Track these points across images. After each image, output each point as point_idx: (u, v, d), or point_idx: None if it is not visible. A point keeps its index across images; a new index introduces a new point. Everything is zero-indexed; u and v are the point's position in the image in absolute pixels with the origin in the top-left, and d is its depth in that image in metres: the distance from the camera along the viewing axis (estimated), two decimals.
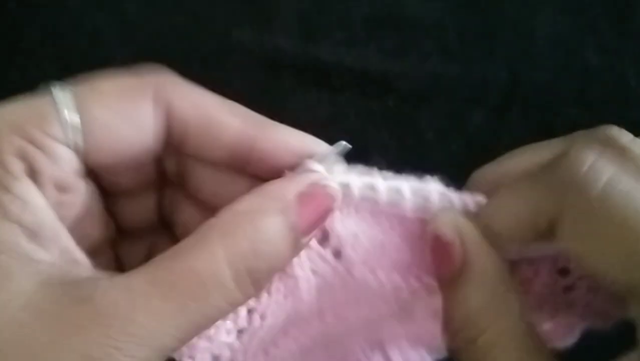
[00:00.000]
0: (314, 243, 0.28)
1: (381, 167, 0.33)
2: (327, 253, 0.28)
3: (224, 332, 0.27)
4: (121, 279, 0.23)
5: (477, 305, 0.26)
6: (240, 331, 0.28)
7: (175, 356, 0.26)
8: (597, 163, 0.24)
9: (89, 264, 0.25)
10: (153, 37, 0.44)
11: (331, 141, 0.43)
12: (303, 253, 0.28)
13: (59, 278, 0.23)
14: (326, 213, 0.27)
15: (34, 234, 0.24)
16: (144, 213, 0.31)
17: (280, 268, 0.26)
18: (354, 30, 0.45)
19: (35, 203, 0.24)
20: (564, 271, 0.28)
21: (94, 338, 0.22)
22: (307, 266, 0.28)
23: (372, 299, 0.30)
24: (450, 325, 0.27)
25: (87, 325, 0.22)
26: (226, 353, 0.28)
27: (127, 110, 0.27)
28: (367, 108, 0.44)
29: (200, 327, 0.24)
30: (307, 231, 0.26)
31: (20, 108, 0.26)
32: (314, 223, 0.26)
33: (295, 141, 0.29)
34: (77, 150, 0.26)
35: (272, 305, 0.28)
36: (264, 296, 0.28)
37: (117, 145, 0.27)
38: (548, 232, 0.25)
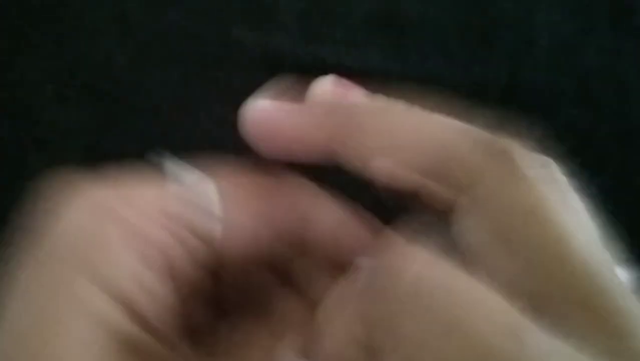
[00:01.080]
0: None
1: None
2: None
3: None
4: None
5: None
6: None
7: None
8: (403, 256, 0.20)
9: (189, 352, 0.25)
10: (153, 37, 0.44)
11: None
12: None
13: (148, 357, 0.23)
14: None
15: (150, 328, 0.23)
16: (246, 297, 0.30)
17: None
18: (354, 30, 0.45)
19: (161, 298, 0.24)
20: None
21: None
22: None
23: None
24: None
25: None
26: None
27: (266, 217, 0.27)
28: None
29: None
30: None
31: (162, 195, 0.25)
32: None
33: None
34: (211, 244, 0.26)
35: None
36: None
37: (249, 248, 0.27)
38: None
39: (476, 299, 0.17)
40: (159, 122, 0.43)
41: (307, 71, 0.47)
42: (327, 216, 0.28)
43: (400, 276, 0.18)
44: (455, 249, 0.20)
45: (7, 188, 0.40)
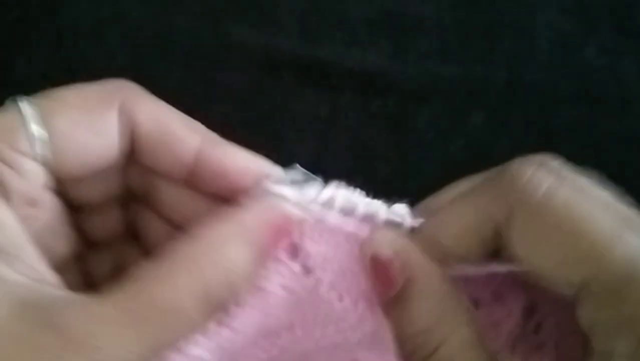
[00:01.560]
0: (283, 256, 0.28)
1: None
2: (296, 268, 0.28)
3: (198, 346, 0.27)
4: (91, 305, 0.23)
5: (428, 320, 0.26)
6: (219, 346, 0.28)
7: None
8: (537, 173, 0.25)
9: (58, 281, 0.25)
10: (153, 37, 0.44)
11: (331, 141, 0.44)
12: (272, 267, 0.28)
13: (29, 299, 0.23)
14: (285, 236, 0.27)
15: (2, 253, 0.24)
16: (110, 226, 0.31)
17: (241, 288, 0.26)
18: (354, 30, 0.45)
19: (4, 220, 0.24)
20: (531, 310, 0.29)
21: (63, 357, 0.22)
22: (277, 280, 0.28)
23: (338, 323, 0.30)
24: (403, 346, 0.26)
25: (52, 349, 0.22)
26: None
27: (92, 121, 0.27)
28: (367, 108, 0.44)
29: (161, 352, 0.24)
30: (267, 253, 0.27)
31: None
32: (273, 246, 0.27)
33: (249, 161, 0.29)
34: (44, 163, 0.26)
35: (242, 317, 0.28)
36: (234, 308, 0.28)
37: (83, 156, 0.27)
38: (494, 243, 0.26)
39: (591, 214, 0.24)
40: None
41: (307, 71, 0.48)
42: (152, 115, 0.29)
43: (534, 188, 0.25)
44: None
45: None
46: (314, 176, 0.29)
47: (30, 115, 0.26)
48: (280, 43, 0.45)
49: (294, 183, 0.29)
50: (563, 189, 0.25)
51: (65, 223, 0.29)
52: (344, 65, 0.44)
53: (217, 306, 0.25)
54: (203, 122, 0.42)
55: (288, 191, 0.28)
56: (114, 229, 0.31)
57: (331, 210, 0.28)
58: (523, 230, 0.25)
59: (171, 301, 0.24)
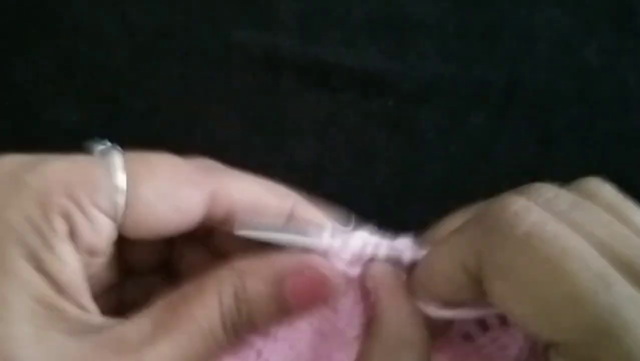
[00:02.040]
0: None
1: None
2: (329, 312, 0.29)
3: None
4: (130, 323, 0.26)
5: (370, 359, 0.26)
6: None
7: None
8: (522, 208, 0.24)
9: (97, 311, 0.27)
10: (153, 37, 0.44)
11: (331, 141, 0.44)
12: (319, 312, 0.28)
13: (79, 326, 0.26)
14: (319, 299, 0.28)
15: (62, 288, 0.26)
16: (153, 257, 0.33)
17: (260, 327, 0.28)
18: (354, 30, 0.45)
19: (69, 261, 0.26)
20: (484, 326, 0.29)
21: None
22: (316, 324, 0.29)
23: None
24: None
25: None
26: None
27: (177, 197, 0.28)
28: (367, 108, 0.44)
29: None
30: (295, 307, 0.28)
31: (73, 168, 0.27)
32: (303, 303, 0.28)
33: (317, 217, 0.31)
34: (116, 219, 0.28)
35: (277, 351, 0.28)
36: (271, 340, 0.28)
37: (157, 226, 0.28)
38: (476, 286, 0.25)
39: (579, 253, 0.22)
40: (159, 122, 0.43)
41: (307, 71, 0.47)
42: (238, 187, 0.30)
43: (518, 224, 0.23)
44: None
45: None
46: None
47: (119, 172, 0.27)
48: (280, 43, 0.45)
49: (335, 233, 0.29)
50: (549, 227, 0.23)
51: (114, 258, 0.30)
52: (344, 65, 0.44)
53: (236, 332, 0.27)
54: (203, 122, 0.42)
55: (332, 244, 0.29)
56: (156, 260, 0.33)
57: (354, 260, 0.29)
58: (500, 271, 0.23)
59: (207, 320, 0.26)
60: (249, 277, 0.27)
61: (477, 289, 0.25)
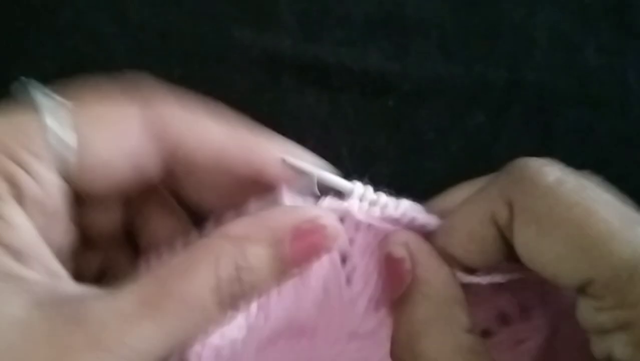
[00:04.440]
0: (337, 261, 0.28)
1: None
2: (342, 276, 0.28)
3: (236, 327, 0.27)
4: (111, 299, 0.23)
5: (421, 319, 0.26)
6: (248, 327, 0.28)
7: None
8: (545, 166, 0.25)
9: (69, 277, 0.25)
10: (153, 37, 0.44)
11: (331, 141, 0.44)
12: (324, 267, 0.28)
13: (48, 296, 0.23)
14: (320, 251, 0.27)
15: (19, 254, 0.24)
16: (111, 223, 0.31)
17: (260, 288, 0.26)
18: (354, 30, 0.45)
19: (18, 222, 0.24)
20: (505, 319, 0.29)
21: (82, 357, 0.22)
22: (321, 281, 0.28)
23: (363, 341, 0.30)
24: (396, 346, 0.26)
25: (80, 347, 0.22)
26: (227, 351, 0.28)
27: (127, 147, 0.27)
28: (367, 108, 0.44)
29: (180, 343, 0.24)
30: (297, 264, 0.26)
31: (10, 126, 0.25)
32: (305, 258, 0.26)
33: (283, 151, 0.29)
34: (63, 172, 0.26)
35: (279, 307, 0.28)
36: (274, 296, 0.27)
37: (110, 178, 0.27)
38: (502, 245, 0.25)
39: (597, 204, 0.24)
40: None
41: (307, 70, 0.47)
42: (195, 138, 0.28)
43: (544, 176, 0.25)
44: None
45: None
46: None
47: (55, 119, 0.26)
48: (280, 43, 0.44)
49: (328, 184, 0.28)
50: (571, 181, 0.25)
51: (69, 217, 0.29)
52: (344, 65, 0.44)
53: (234, 303, 0.25)
54: None
55: (329, 196, 0.28)
56: (114, 227, 0.31)
57: (371, 216, 0.28)
58: (528, 221, 0.25)
59: (196, 296, 0.24)
60: (248, 244, 0.25)
61: (503, 249, 0.26)
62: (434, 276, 0.26)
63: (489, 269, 0.27)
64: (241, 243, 0.25)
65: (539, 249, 0.24)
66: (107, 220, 0.31)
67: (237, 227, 0.26)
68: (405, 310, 0.26)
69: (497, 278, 0.27)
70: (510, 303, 0.29)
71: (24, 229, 0.25)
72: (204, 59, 0.44)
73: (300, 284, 0.28)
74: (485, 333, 0.29)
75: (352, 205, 0.27)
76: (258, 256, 0.25)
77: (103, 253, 0.31)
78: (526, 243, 0.25)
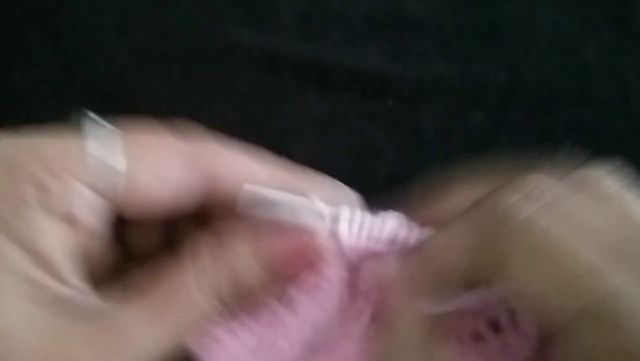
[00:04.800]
0: (337, 274, 0.28)
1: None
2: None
3: (259, 342, 0.28)
4: (121, 303, 0.25)
5: (388, 354, 0.26)
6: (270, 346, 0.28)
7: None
8: (518, 202, 0.24)
9: (93, 293, 0.26)
10: (153, 37, 0.44)
11: (331, 141, 0.44)
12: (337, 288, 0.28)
13: (63, 305, 0.24)
14: (306, 253, 0.27)
15: (40, 261, 0.25)
16: (153, 239, 0.32)
17: (249, 290, 0.27)
18: (354, 30, 0.45)
19: (44, 230, 0.25)
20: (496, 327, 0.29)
21: (99, 354, 0.24)
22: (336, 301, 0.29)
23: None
24: None
25: (92, 342, 0.24)
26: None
27: (169, 177, 0.27)
28: (367, 108, 0.44)
29: (176, 339, 0.26)
30: (284, 264, 0.27)
31: (50, 144, 0.26)
32: (291, 259, 0.27)
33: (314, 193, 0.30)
34: (110, 196, 0.27)
35: (298, 328, 0.28)
36: (292, 311, 0.28)
37: (152, 205, 0.27)
38: (488, 272, 0.25)
39: (568, 243, 0.23)
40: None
41: (307, 71, 0.48)
42: (236, 174, 0.29)
43: (513, 217, 0.24)
44: None
45: None
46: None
47: (98, 141, 0.26)
48: (280, 43, 0.45)
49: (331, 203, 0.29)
50: (545, 218, 0.24)
51: (109, 238, 0.29)
52: (344, 65, 0.44)
53: (222, 300, 0.26)
54: (203, 123, 0.42)
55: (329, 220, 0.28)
56: (156, 244, 0.32)
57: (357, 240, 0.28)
58: (503, 262, 0.24)
59: (187, 295, 0.25)
60: (226, 237, 0.26)
61: (477, 276, 0.25)
62: (403, 311, 0.27)
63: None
64: (221, 240, 0.26)
65: (521, 286, 0.24)
66: (150, 238, 0.31)
67: (221, 228, 0.27)
68: (379, 343, 0.27)
69: (470, 303, 0.27)
70: (500, 310, 0.28)
71: (48, 236, 0.25)
72: (204, 59, 0.44)
73: (312, 303, 0.28)
74: (477, 337, 0.29)
75: (341, 230, 0.28)
76: (237, 251, 0.26)
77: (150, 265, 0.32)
78: (505, 281, 0.24)
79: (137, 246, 0.31)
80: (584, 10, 0.46)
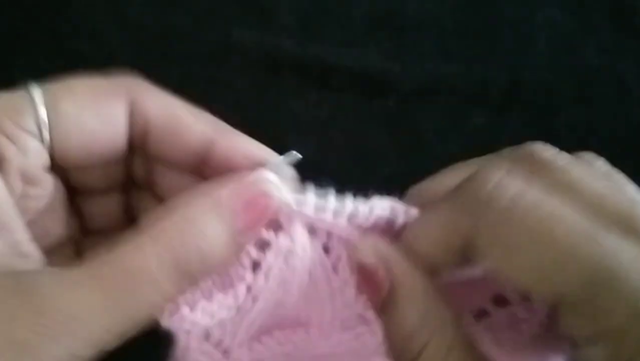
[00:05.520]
0: (319, 249, 0.28)
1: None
2: (328, 264, 0.28)
3: (225, 308, 0.27)
4: (62, 272, 0.24)
5: (413, 322, 0.26)
6: (237, 309, 0.28)
7: (172, 328, 0.27)
8: (503, 180, 0.24)
9: (40, 259, 0.25)
10: (153, 37, 0.44)
11: (331, 141, 0.44)
12: (307, 252, 0.28)
13: (6, 268, 0.24)
14: (263, 213, 0.27)
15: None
16: (109, 213, 0.31)
17: (215, 260, 0.26)
18: (354, 30, 0.45)
19: (2, 194, 0.25)
20: (501, 301, 0.29)
21: (25, 326, 0.22)
22: (307, 266, 0.28)
23: (356, 328, 0.30)
24: (393, 350, 0.27)
25: (20, 313, 0.22)
26: (217, 332, 0.28)
27: (98, 108, 0.28)
28: (367, 108, 0.44)
29: (136, 320, 0.24)
30: (244, 228, 0.26)
31: (1, 102, 0.27)
32: (250, 222, 0.26)
33: (252, 148, 0.29)
34: (47, 146, 0.27)
35: (266, 290, 0.28)
36: (261, 278, 0.27)
37: (86, 141, 0.28)
38: (469, 251, 0.25)
39: (561, 214, 0.23)
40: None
41: (307, 71, 0.48)
42: (157, 103, 0.29)
43: (501, 192, 0.24)
44: None
45: None
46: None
47: (39, 98, 0.27)
48: (280, 43, 0.45)
49: (286, 170, 0.28)
50: (531, 194, 0.24)
51: (63, 206, 0.29)
52: (344, 65, 0.44)
53: (190, 276, 0.25)
54: None
55: (278, 177, 0.28)
56: (112, 216, 0.32)
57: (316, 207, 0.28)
58: (490, 241, 0.24)
59: (139, 265, 0.24)
60: (192, 209, 0.25)
61: (471, 253, 0.25)
62: (412, 279, 0.26)
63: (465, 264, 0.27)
64: (182, 209, 0.25)
65: (505, 269, 0.24)
66: (105, 208, 0.31)
67: (178, 199, 0.26)
68: (393, 315, 0.26)
69: (473, 273, 0.27)
70: (506, 285, 0.28)
71: (5, 200, 0.25)
72: (204, 59, 0.44)
73: (285, 268, 0.28)
74: (482, 313, 0.29)
75: (327, 212, 0.28)
76: (201, 218, 0.25)
77: (108, 241, 0.32)
78: (492, 262, 0.24)
79: (94, 220, 0.31)
80: (584, 10, 0.46)
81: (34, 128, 0.26)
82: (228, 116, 0.44)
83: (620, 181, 0.25)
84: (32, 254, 0.25)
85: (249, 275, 0.27)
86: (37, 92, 0.27)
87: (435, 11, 0.46)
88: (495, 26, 0.46)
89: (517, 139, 0.39)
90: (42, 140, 0.27)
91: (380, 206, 0.28)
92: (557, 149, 0.26)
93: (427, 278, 0.26)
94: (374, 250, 0.27)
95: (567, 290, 0.23)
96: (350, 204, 0.28)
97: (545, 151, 0.26)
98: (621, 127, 0.44)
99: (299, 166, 0.43)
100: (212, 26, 0.44)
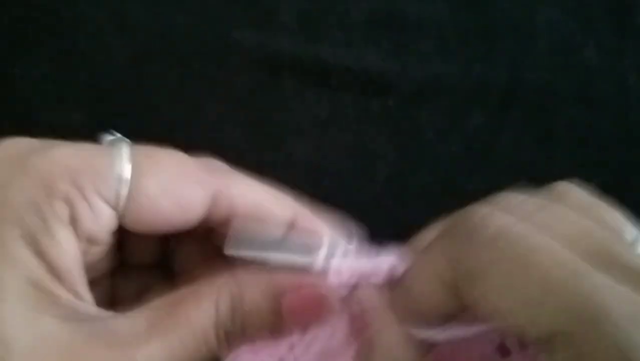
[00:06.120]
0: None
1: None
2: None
3: None
4: (125, 320, 0.26)
5: None
6: None
7: None
8: (487, 214, 0.24)
9: (92, 301, 0.27)
10: (153, 37, 0.44)
11: (331, 141, 0.44)
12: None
13: (73, 314, 0.25)
14: (314, 315, 0.28)
15: (58, 273, 0.26)
16: (150, 252, 0.32)
17: (257, 334, 0.28)
18: (354, 30, 0.45)
19: (70, 251, 0.26)
20: (504, 351, 0.28)
21: None
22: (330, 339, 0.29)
23: None
24: None
25: (100, 358, 0.24)
26: None
27: (179, 196, 0.28)
28: (367, 108, 0.44)
29: None
30: (292, 321, 0.28)
31: (80, 155, 0.27)
32: (299, 318, 0.28)
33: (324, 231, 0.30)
34: (117, 209, 0.27)
35: (307, 354, 0.29)
36: (305, 342, 0.29)
37: (159, 223, 0.28)
38: (463, 289, 0.25)
39: (546, 248, 0.22)
40: (159, 122, 0.43)
41: (307, 71, 0.47)
42: (241, 190, 0.29)
43: (485, 227, 0.24)
44: None
45: None
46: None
47: (125, 167, 0.27)
48: (280, 43, 0.45)
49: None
50: (518, 226, 0.23)
51: (111, 245, 0.30)
52: (344, 65, 0.44)
53: (228, 339, 0.27)
54: (203, 123, 0.42)
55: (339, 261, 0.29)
56: (152, 254, 0.32)
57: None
58: (472, 280, 0.24)
59: (201, 325, 0.26)
60: (248, 288, 0.27)
61: (458, 303, 0.25)
62: (381, 339, 0.27)
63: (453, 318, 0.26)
64: (242, 285, 0.27)
65: (487, 306, 0.23)
66: (147, 248, 0.32)
67: (244, 272, 0.28)
68: None
69: (456, 332, 0.26)
70: (507, 333, 0.28)
71: (70, 253, 0.26)
72: (204, 59, 0.44)
73: (325, 336, 0.28)
74: None
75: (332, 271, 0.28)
76: (254, 302, 0.27)
77: (141, 278, 0.33)
78: (475, 301, 0.24)
79: (132, 254, 0.32)
80: (584, 10, 0.46)
81: (112, 198, 0.27)
82: (228, 116, 0.44)
83: (599, 211, 0.25)
84: (87, 297, 0.27)
85: (294, 334, 0.29)
86: (124, 158, 0.27)
87: (435, 11, 0.46)
88: (495, 26, 0.46)
89: (517, 139, 0.40)
90: (117, 209, 0.27)
91: (388, 259, 0.28)
92: (528, 194, 0.26)
93: (405, 339, 0.27)
94: (359, 299, 0.28)
95: (556, 327, 0.22)
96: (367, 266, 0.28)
97: (518, 197, 0.26)
98: (621, 127, 0.44)
99: (299, 166, 0.43)
100: (212, 26, 0.44)
